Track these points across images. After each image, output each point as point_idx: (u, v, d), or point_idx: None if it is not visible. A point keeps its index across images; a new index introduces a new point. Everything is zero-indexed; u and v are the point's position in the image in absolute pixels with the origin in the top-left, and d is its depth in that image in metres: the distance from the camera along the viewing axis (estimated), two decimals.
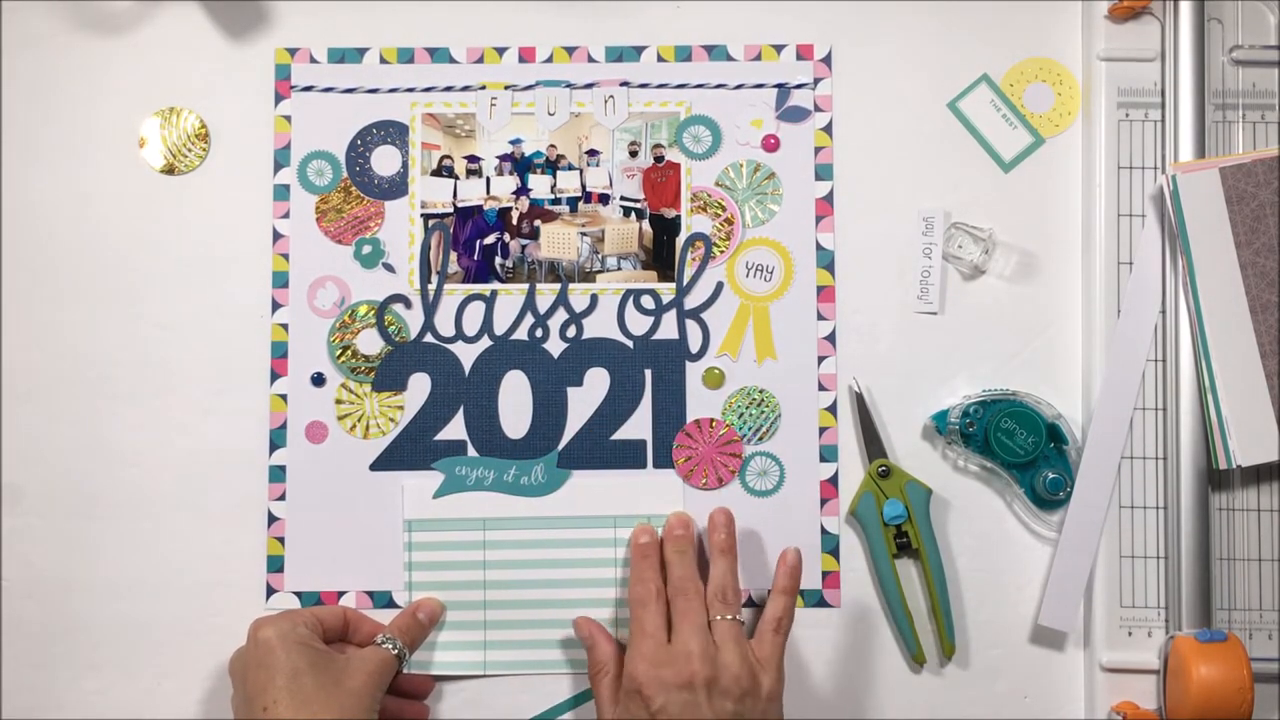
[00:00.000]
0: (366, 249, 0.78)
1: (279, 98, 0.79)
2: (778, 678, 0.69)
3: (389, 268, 0.78)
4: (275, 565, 0.77)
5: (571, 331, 0.78)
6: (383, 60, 0.79)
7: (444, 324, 0.78)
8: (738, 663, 0.68)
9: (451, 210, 0.79)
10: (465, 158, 0.79)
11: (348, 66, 0.79)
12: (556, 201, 0.79)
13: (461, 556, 0.77)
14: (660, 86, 0.79)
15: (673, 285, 0.78)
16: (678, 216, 0.79)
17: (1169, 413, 0.75)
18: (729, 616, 0.70)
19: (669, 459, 0.77)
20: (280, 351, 0.78)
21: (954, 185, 0.78)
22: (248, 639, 0.70)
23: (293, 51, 0.79)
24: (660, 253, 0.79)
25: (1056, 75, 0.79)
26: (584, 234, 0.79)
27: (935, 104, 0.79)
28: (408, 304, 0.78)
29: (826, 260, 0.78)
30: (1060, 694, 0.76)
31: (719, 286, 0.78)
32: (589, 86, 0.79)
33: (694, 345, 0.78)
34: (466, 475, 0.77)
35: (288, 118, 0.79)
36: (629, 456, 0.77)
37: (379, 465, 0.77)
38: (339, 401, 0.78)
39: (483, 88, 0.79)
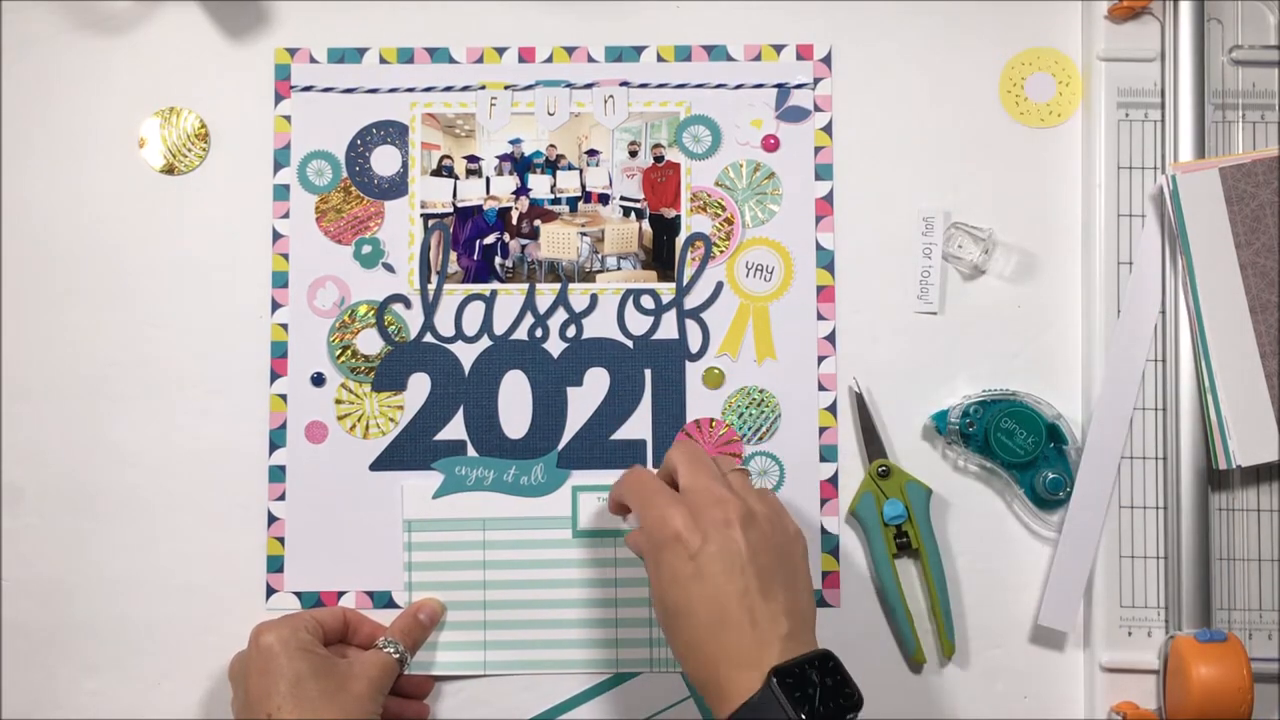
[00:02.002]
0: (366, 249, 0.78)
1: (279, 98, 0.79)
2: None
3: (389, 268, 0.78)
4: (275, 565, 0.77)
5: (571, 331, 0.78)
6: (383, 60, 0.79)
7: (444, 324, 0.78)
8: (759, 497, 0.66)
9: (451, 210, 0.79)
10: (465, 158, 0.79)
11: (348, 66, 0.79)
12: (556, 201, 0.79)
13: (461, 556, 0.77)
14: (660, 86, 0.79)
15: (673, 285, 0.78)
16: (677, 216, 0.79)
17: (1169, 413, 0.75)
18: (735, 469, 0.68)
19: None
20: (280, 351, 0.78)
21: (954, 185, 0.78)
22: (249, 644, 0.70)
23: (293, 51, 0.79)
24: (660, 253, 0.79)
25: (1059, 65, 0.78)
26: (584, 234, 0.79)
27: (935, 104, 0.79)
28: (407, 304, 0.78)
29: (826, 260, 0.78)
30: (1060, 694, 0.76)
31: (719, 286, 0.78)
32: (589, 86, 0.79)
33: (694, 345, 0.78)
34: (466, 475, 0.77)
35: (288, 118, 0.79)
36: (629, 456, 0.77)
37: (379, 465, 0.77)
38: (339, 401, 0.78)
39: (482, 88, 0.79)
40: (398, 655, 0.72)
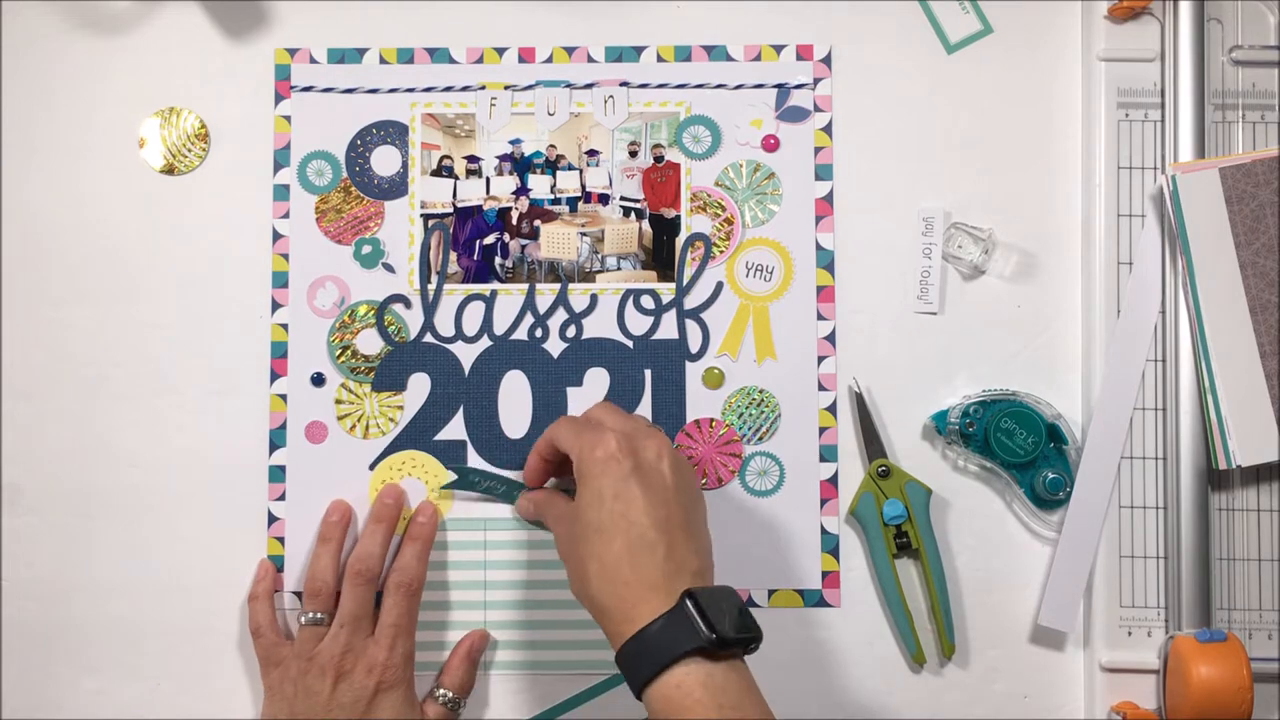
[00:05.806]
0: (366, 249, 0.78)
1: (279, 98, 0.79)
2: None
3: (389, 268, 0.78)
4: (275, 565, 0.77)
5: (571, 331, 0.78)
6: (383, 60, 0.79)
7: (444, 324, 0.78)
8: None
9: (451, 210, 0.79)
10: (465, 158, 0.79)
11: (348, 66, 0.79)
12: (556, 201, 0.79)
13: (461, 556, 0.77)
14: (660, 86, 0.79)
15: (672, 285, 0.78)
16: (677, 216, 0.79)
17: (1169, 413, 0.75)
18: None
19: None
20: (280, 351, 0.78)
21: (954, 185, 0.78)
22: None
23: (293, 51, 0.79)
24: (660, 253, 0.79)
25: None
26: (584, 234, 0.79)
27: (935, 103, 0.79)
28: (407, 304, 0.78)
29: (826, 260, 0.78)
30: (1060, 694, 0.76)
31: (719, 286, 0.78)
32: (589, 86, 0.79)
33: (694, 345, 0.78)
34: (478, 482, 0.77)
35: (288, 118, 0.79)
36: None
37: (379, 465, 0.77)
38: (339, 401, 0.78)
39: (482, 88, 0.79)
40: (449, 704, 0.74)
